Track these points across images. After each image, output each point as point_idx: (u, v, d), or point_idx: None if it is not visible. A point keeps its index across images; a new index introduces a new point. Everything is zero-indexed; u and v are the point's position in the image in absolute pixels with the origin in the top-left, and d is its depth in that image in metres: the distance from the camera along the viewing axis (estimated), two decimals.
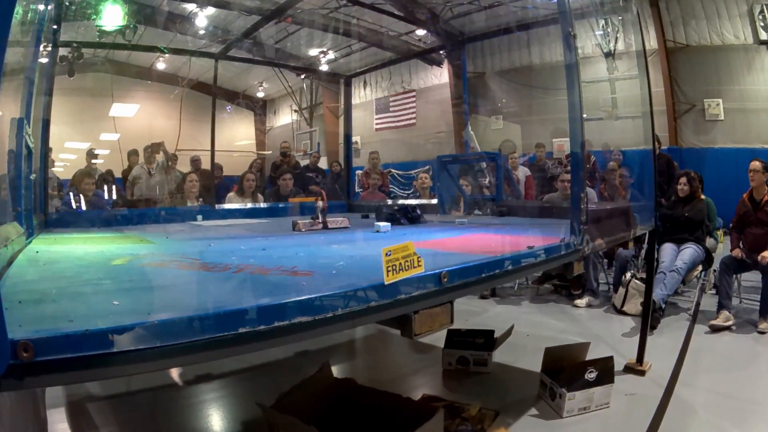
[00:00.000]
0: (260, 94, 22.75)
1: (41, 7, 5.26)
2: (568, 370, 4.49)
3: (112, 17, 8.46)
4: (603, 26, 13.23)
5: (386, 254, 2.19)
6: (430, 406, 3.90)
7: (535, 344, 5.67)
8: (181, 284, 2.52)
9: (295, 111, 21.44)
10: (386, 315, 2.25)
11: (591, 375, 4.41)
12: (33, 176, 4.67)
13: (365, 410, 3.90)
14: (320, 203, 5.18)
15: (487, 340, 5.38)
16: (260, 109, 23.04)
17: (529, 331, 6.53)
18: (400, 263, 2.24)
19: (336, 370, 4.56)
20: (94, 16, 8.53)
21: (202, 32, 13.98)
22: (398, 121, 18.07)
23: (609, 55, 13.85)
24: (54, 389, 4.66)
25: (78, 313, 1.71)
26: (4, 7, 1.36)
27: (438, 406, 3.91)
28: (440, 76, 16.70)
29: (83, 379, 1.52)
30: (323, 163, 14.99)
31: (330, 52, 16.15)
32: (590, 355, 4.93)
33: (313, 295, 1.94)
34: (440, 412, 3.59)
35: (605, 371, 4.48)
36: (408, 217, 5.49)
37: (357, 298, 2.07)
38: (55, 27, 6.32)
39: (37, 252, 3.59)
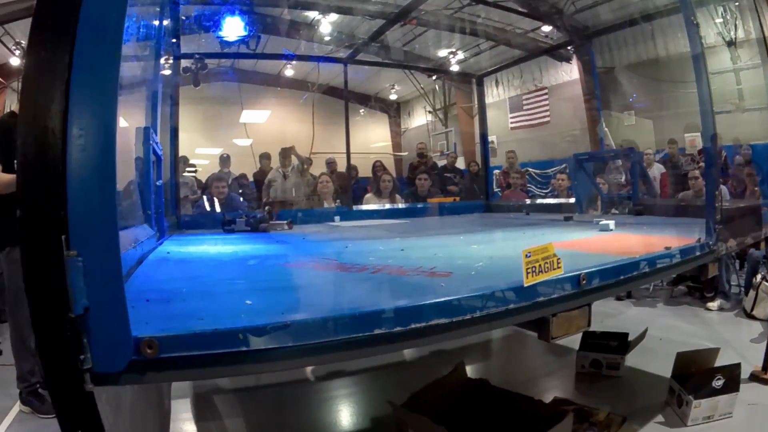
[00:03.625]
0: (393, 96, 22.73)
1: (156, 23, 5.45)
2: (697, 377, 4.27)
3: (232, 28, 8.68)
4: (722, 14, 12.67)
5: (526, 255, 2.09)
6: (560, 409, 3.82)
7: (667, 348, 5.42)
8: (316, 284, 2.52)
9: (429, 112, 21.34)
10: (524, 317, 2.16)
11: (718, 382, 4.18)
12: (159, 182, 4.79)
13: (495, 411, 3.84)
14: None
15: (620, 343, 5.22)
16: (394, 111, 23.10)
17: (662, 334, 6.27)
18: (540, 265, 2.14)
19: (470, 370, 4.50)
20: (214, 29, 8.80)
21: (327, 38, 14.15)
22: (532, 120, 17.79)
23: (731, 44, 13.21)
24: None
25: (208, 312, 1.70)
26: (115, 25, 1.42)
27: (567, 409, 3.81)
28: (570, 72, 16.37)
29: (209, 376, 1.53)
30: (460, 163, 14.82)
31: (459, 52, 16.09)
32: (718, 361, 4.67)
33: (451, 297, 1.87)
34: (569, 416, 3.49)
35: (732, 379, 4.22)
36: (249, 224, 5.52)
37: (495, 299, 1.99)
38: (174, 41, 6.55)
39: (168, 253, 3.64)
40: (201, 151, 15.88)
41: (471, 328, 1.92)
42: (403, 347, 1.82)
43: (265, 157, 11.31)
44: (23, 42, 11.66)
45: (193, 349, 1.44)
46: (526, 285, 2.07)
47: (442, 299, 1.85)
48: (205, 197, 8.58)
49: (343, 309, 1.71)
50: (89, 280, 1.31)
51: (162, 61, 6.28)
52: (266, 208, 6.03)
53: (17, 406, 4.60)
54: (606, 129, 14.18)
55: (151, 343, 1.39)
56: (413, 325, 1.74)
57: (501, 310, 2.00)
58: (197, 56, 8.26)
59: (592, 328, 4.67)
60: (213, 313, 1.68)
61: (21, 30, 11.74)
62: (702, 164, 9.03)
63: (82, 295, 1.31)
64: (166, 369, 1.44)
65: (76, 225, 1.31)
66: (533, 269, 2.11)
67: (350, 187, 8.81)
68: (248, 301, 1.91)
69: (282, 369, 1.59)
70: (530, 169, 15.43)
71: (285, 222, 5.68)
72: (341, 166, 10.80)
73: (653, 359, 5.38)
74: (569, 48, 15.20)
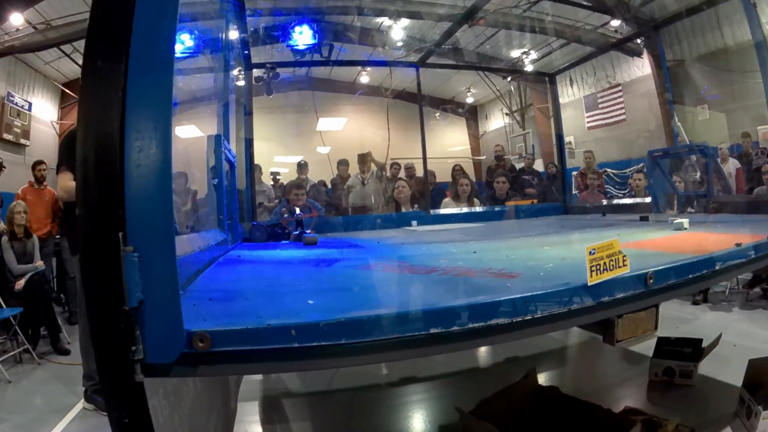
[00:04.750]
0: (469, 100, 22.50)
1: (222, 36, 5.55)
2: (767, 386, 4.11)
3: (302, 38, 8.80)
4: None
5: (590, 253, 2.04)
6: (629, 419, 3.71)
7: (740, 355, 5.25)
8: (382, 285, 2.50)
9: (507, 114, 21.06)
10: (588, 319, 2.10)
11: None
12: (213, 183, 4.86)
13: (564, 420, 3.78)
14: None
15: (694, 349, 5.06)
16: (470, 114, 22.97)
17: (736, 340, 6.05)
18: (605, 263, 2.08)
19: (542, 378, 4.43)
20: (284, 38, 8.92)
21: (399, 44, 14.18)
22: (608, 118, 17.35)
23: None
24: (251, 384, 4.88)
25: (269, 310, 1.73)
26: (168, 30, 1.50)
27: (637, 419, 3.70)
28: (642, 67, 15.98)
29: (261, 371, 1.59)
30: (539, 165, 14.62)
31: (531, 51, 15.93)
32: None
33: (511, 296, 1.84)
34: (637, 427, 3.44)
35: None
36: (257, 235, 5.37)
37: (557, 299, 1.94)
38: (246, 52, 6.64)
39: (239, 256, 3.71)
40: (279, 159, 16.02)
41: (532, 329, 1.88)
42: (461, 348, 1.76)
43: (342, 163, 11.40)
44: None
45: (245, 343, 1.46)
46: (590, 284, 2.02)
47: (502, 298, 1.81)
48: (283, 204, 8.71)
49: (401, 307, 1.70)
50: (144, 274, 1.37)
51: (235, 72, 6.40)
52: (294, 213, 5.89)
53: (81, 404, 4.85)
54: (679, 124, 13.81)
55: (203, 337, 1.42)
56: (471, 325, 1.72)
57: (563, 311, 1.95)
58: (268, 65, 8.41)
59: (667, 334, 4.60)
60: (273, 312, 1.70)
61: None
62: None
63: (137, 288, 1.36)
64: (217, 362, 1.47)
65: (133, 222, 1.37)
66: (597, 267, 2.05)
67: (428, 192, 8.81)
68: (310, 301, 1.93)
69: (333, 366, 1.61)
70: (608, 170, 15.11)
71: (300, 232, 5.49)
72: (420, 172, 10.81)
73: (726, 367, 5.22)
74: (639, 41, 14.89)
